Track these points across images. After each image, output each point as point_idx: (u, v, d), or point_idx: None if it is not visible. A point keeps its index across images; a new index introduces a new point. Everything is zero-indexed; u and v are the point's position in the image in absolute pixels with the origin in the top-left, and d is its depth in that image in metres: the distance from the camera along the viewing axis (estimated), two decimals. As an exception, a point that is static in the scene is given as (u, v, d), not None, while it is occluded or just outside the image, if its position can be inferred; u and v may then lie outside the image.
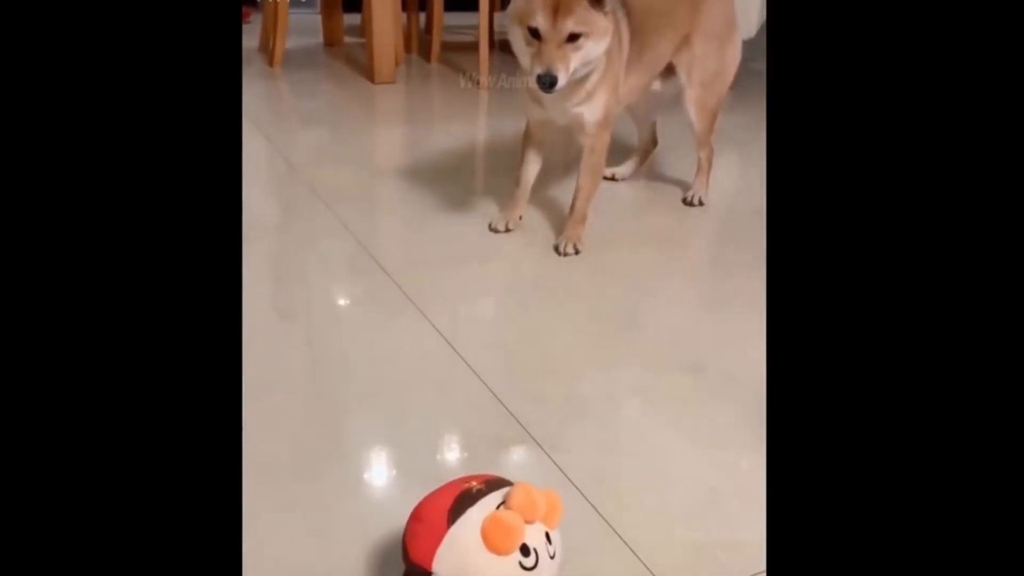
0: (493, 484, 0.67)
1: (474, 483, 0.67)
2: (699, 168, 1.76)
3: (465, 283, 1.35)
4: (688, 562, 0.75)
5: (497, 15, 3.80)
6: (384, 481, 0.86)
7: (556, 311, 1.27)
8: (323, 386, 1.03)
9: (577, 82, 1.37)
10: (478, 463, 0.88)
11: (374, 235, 1.55)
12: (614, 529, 0.78)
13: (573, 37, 1.27)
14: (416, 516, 0.66)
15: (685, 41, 1.62)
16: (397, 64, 3.12)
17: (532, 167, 1.57)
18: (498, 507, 0.64)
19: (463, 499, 0.65)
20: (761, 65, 1.79)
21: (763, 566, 0.74)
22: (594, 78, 1.41)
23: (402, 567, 0.65)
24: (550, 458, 0.88)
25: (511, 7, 1.32)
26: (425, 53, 3.56)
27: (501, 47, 3.88)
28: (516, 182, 1.57)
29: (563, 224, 1.52)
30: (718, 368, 1.10)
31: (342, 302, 1.31)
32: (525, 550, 0.63)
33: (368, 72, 2.98)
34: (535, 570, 0.63)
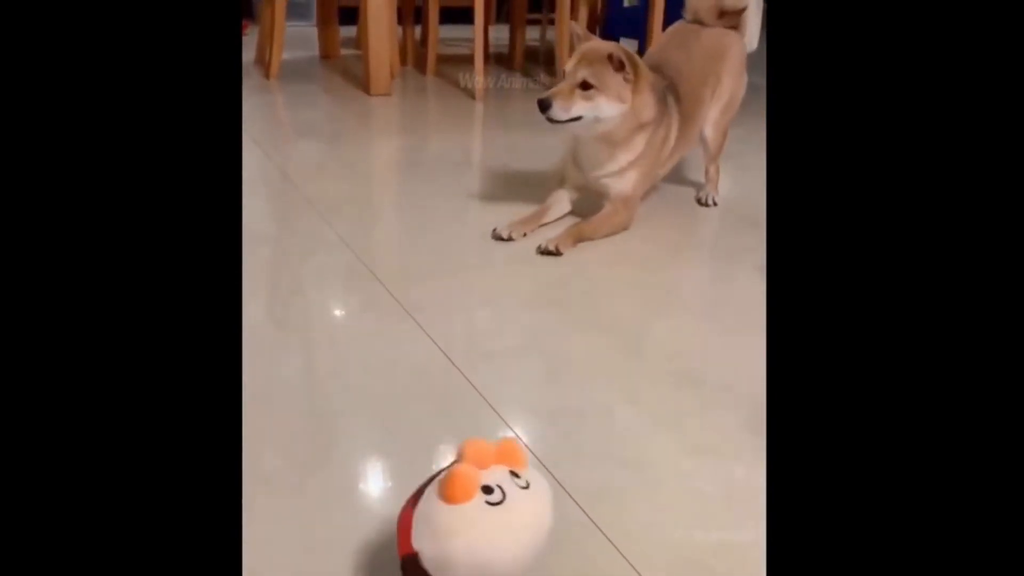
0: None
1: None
2: (708, 178, 1.88)
3: (461, 294, 1.35)
4: (684, 573, 0.75)
5: (492, 28, 3.81)
6: (380, 492, 0.86)
7: (552, 322, 1.27)
8: (318, 397, 1.03)
9: (611, 157, 1.56)
10: (474, 474, 0.87)
11: (370, 246, 1.55)
12: (610, 540, 0.78)
13: (586, 85, 1.47)
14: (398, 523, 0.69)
15: (717, 81, 1.78)
16: (393, 76, 3.13)
17: (562, 203, 1.69)
18: None
19: (422, 487, 0.67)
20: (755, 79, 1.81)
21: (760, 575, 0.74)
22: (628, 157, 1.57)
23: None
24: (547, 470, 0.88)
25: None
26: (421, 65, 3.58)
27: (496, 60, 3.90)
28: (543, 202, 1.68)
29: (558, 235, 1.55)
30: (715, 377, 1.10)
31: (337, 313, 1.31)
32: (487, 489, 0.64)
33: (364, 84, 2.99)
34: (505, 504, 0.64)
